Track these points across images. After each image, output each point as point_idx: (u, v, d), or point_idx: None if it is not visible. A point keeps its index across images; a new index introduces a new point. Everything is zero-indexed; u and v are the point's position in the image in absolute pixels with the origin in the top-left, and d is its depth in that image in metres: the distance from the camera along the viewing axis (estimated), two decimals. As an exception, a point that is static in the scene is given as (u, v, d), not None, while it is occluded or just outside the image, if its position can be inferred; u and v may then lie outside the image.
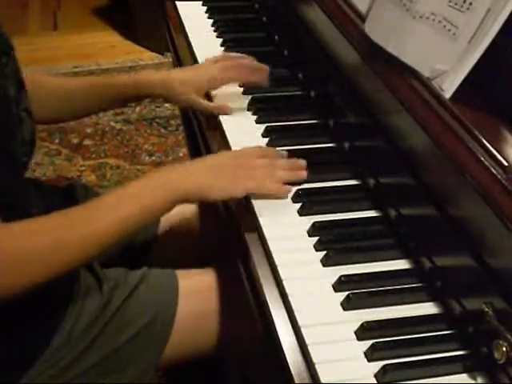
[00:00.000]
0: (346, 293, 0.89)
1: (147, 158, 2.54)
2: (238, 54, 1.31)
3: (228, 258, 1.05)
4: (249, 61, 1.28)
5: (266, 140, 1.18)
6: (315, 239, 0.97)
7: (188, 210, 1.34)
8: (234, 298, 1.09)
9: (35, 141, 1.08)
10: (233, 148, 1.15)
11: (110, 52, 3.27)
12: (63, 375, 1.04)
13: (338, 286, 0.90)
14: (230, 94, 1.30)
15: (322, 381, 0.79)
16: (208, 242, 1.31)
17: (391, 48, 1.00)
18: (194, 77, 1.26)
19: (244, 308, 0.96)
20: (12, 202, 0.99)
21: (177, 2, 1.64)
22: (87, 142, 2.62)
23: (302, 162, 1.08)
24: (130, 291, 1.10)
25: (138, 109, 2.80)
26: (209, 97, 1.29)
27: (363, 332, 0.84)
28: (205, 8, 1.65)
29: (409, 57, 0.97)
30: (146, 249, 1.30)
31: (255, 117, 1.25)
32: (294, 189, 1.06)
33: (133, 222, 0.96)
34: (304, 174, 1.07)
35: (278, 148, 1.15)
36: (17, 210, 1.00)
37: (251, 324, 0.93)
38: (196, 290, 1.14)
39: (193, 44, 1.47)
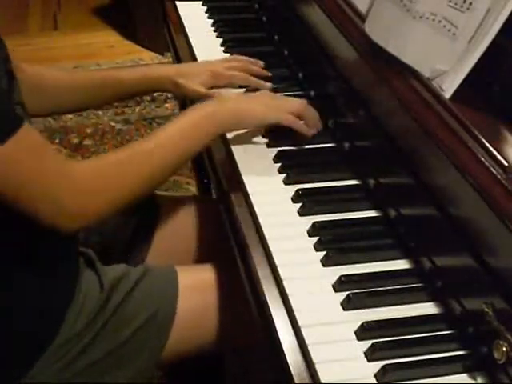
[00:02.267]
0: (346, 293, 0.89)
1: (147, 157, 2.54)
2: (249, 59, 1.35)
3: (228, 258, 1.05)
4: (257, 68, 1.34)
5: (266, 140, 1.18)
6: (315, 239, 0.97)
7: (187, 209, 1.34)
8: (234, 297, 1.09)
9: None
10: (233, 149, 1.15)
11: (110, 52, 3.28)
12: (66, 372, 1.04)
13: (338, 286, 0.90)
14: (230, 93, 1.30)
15: (322, 381, 0.79)
16: (208, 241, 1.31)
17: (391, 48, 1.00)
18: (199, 69, 1.30)
19: (244, 308, 0.96)
20: None
21: (177, 2, 1.64)
22: (87, 141, 2.62)
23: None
24: (130, 287, 1.10)
25: (137, 109, 2.80)
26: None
27: (363, 332, 0.84)
28: (205, 8, 1.65)
29: (409, 57, 0.97)
30: (145, 250, 1.30)
31: (255, 117, 1.25)
32: (294, 188, 1.06)
33: (188, 156, 1.10)
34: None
35: (278, 148, 1.16)
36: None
37: (251, 323, 0.93)
38: (196, 285, 1.14)
39: (193, 44, 1.47)
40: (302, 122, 1.15)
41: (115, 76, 1.30)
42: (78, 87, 1.29)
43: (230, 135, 1.18)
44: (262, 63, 1.35)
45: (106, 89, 1.29)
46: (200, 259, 1.30)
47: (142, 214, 1.29)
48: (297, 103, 1.16)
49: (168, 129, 1.06)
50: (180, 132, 1.06)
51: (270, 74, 1.34)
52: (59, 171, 0.95)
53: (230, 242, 1.04)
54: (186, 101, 1.39)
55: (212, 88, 1.28)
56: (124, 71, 1.34)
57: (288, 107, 1.14)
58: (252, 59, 1.35)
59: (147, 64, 3.10)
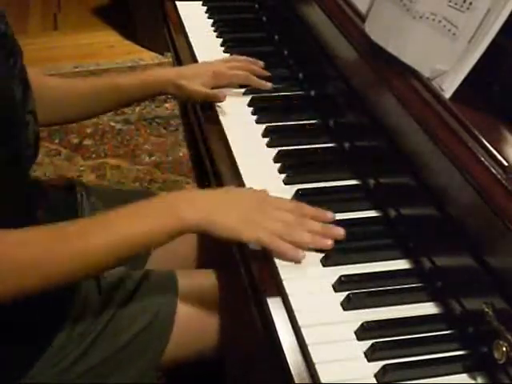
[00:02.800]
0: (346, 293, 0.89)
1: (147, 157, 2.54)
2: (249, 58, 1.35)
3: (228, 260, 1.05)
4: (258, 68, 1.33)
5: (266, 140, 1.18)
6: (315, 239, 0.97)
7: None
8: (234, 299, 1.09)
9: (39, 144, 1.08)
10: (233, 149, 1.15)
11: (110, 52, 3.28)
12: (64, 376, 1.04)
13: (338, 286, 0.90)
14: (230, 94, 1.30)
15: (322, 381, 0.79)
16: (208, 243, 1.31)
17: (391, 48, 1.00)
18: (200, 70, 1.30)
19: (244, 308, 0.96)
20: (18, 203, 0.99)
21: (177, 2, 1.64)
22: (87, 141, 2.62)
23: (338, 230, 0.95)
24: (129, 291, 1.10)
25: (137, 109, 2.80)
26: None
27: (363, 332, 0.84)
28: (205, 8, 1.65)
29: (409, 57, 0.97)
30: (146, 253, 1.30)
31: (255, 117, 1.25)
32: (294, 188, 1.06)
33: (131, 244, 0.91)
34: (330, 244, 0.94)
35: (278, 148, 1.15)
36: (21, 211, 1.00)
37: (251, 324, 0.93)
38: (196, 290, 1.14)
39: (193, 44, 1.47)
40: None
41: (116, 82, 1.28)
42: (81, 95, 1.27)
43: (230, 135, 1.19)
44: (261, 63, 1.36)
45: (108, 96, 1.28)
46: (200, 261, 1.30)
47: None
48: (283, 206, 0.96)
49: (126, 212, 0.92)
50: (138, 222, 0.91)
51: (269, 74, 1.34)
52: None
53: (230, 243, 1.04)
54: (188, 103, 1.39)
55: (214, 88, 1.29)
56: (123, 77, 1.31)
57: (270, 226, 0.93)
58: (252, 59, 1.35)
59: (147, 67, 3.10)
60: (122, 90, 1.28)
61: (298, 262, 0.92)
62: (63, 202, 1.23)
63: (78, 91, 1.28)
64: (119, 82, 1.28)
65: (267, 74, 1.33)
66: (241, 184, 1.08)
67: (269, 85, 1.31)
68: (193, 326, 1.12)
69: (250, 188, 1.03)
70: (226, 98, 1.28)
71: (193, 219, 0.91)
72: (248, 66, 1.33)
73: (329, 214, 0.98)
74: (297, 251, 0.92)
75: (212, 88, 1.28)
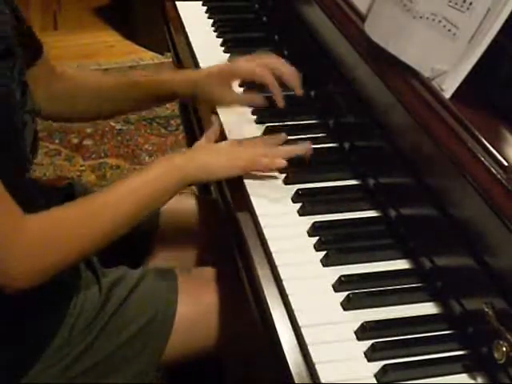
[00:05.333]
0: (346, 293, 0.89)
1: (147, 157, 2.54)
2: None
3: (228, 258, 1.05)
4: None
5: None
6: (315, 239, 0.97)
7: (187, 209, 1.34)
8: (234, 298, 1.09)
9: (37, 143, 1.08)
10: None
11: (110, 52, 3.27)
12: (64, 375, 1.04)
13: (338, 286, 0.90)
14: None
15: (322, 381, 0.79)
16: (208, 241, 1.31)
17: (391, 48, 1.00)
18: (219, 67, 1.24)
19: (244, 308, 0.96)
20: (17, 203, 0.99)
21: (177, 2, 1.64)
22: (87, 141, 2.62)
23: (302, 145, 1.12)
24: (129, 290, 1.10)
25: (137, 109, 2.80)
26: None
27: (363, 332, 0.84)
28: (205, 8, 1.65)
29: (409, 57, 0.97)
30: (145, 247, 1.30)
31: (255, 117, 1.25)
32: (294, 188, 1.06)
33: (149, 205, 1.03)
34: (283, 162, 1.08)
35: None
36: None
37: (251, 324, 0.93)
38: (196, 288, 1.14)
39: (193, 44, 1.47)
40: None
41: (145, 79, 1.28)
42: (112, 90, 1.27)
43: (230, 135, 1.18)
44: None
45: (139, 91, 1.26)
46: (200, 259, 1.30)
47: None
48: (253, 143, 1.12)
49: (131, 180, 1.02)
50: (144, 184, 1.02)
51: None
52: (8, 231, 0.89)
53: (230, 242, 1.04)
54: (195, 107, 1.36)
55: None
56: (150, 75, 1.31)
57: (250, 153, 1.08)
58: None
59: (147, 67, 3.10)
60: (148, 87, 1.26)
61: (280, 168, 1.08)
62: (63, 202, 1.23)
63: (106, 85, 1.27)
64: (145, 79, 1.29)
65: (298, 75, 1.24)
66: (242, 186, 1.08)
67: (281, 103, 1.22)
68: (193, 324, 1.12)
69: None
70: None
71: (192, 168, 1.05)
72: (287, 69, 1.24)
73: (282, 136, 1.14)
74: (279, 161, 1.07)
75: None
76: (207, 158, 1.06)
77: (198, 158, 1.07)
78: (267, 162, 1.07)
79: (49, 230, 0.94)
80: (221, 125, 1.19)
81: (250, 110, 1.26)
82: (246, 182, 1.08)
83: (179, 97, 1.31)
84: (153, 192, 1.02)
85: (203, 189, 1.76)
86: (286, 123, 1.24)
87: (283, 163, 1.07)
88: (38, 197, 1.11)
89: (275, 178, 1.10)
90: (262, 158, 1.07)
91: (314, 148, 1.18)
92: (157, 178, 1.03)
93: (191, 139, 1.75)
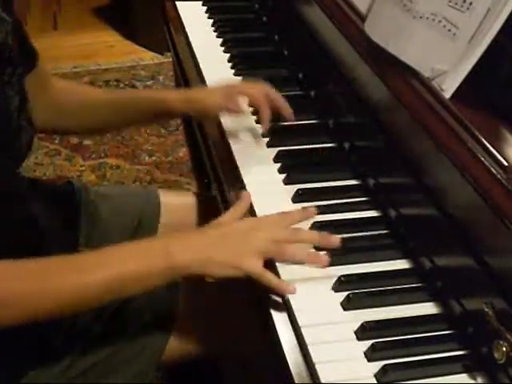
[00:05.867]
0: (346, 293, 0.89)
1: (147, 157, 2.54)
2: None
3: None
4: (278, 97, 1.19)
5: (266, 140, 1.18)
6: (315, 239, 0.97)
7: (187, 207, 1.34)
8: (234, 298, 1.09)
9: (31, 148, 1.07)
10: (233, 149, 1.15)
11: (110, 52, 3.27)
12: (64, 375, 1.04)
13: (338, 286, 0.90)
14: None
15: (322, 381, 0.79)
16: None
17: (391, 48, 1.00)
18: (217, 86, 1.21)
19: (244, 308, 0.96)
20: (11, 202, 0.99)
21: (177, 2, 1.64)
22: (87, 141, 2.62)
23: (334, 239, 0.93)
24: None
25: (137, 109, 2.79)
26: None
27: (363, 332, 0.84)
28: (205, 8, 1.65)
29: (409, 57, 0.97)
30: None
31: (255, 117, 1.25)
32: (295, 188, 1.06)
33: (125, 282, 0.88)
34: (325, 260, 0.92)
35: (278, 148, 1.15)
36: (15, 210, 1.00)
37: (251, 324, 0.93)
38: (197, 288, 1.13)
39: (193, 44, 1.47)
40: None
41: (143, 95, 1.28)
42: (109, 106, 1.22)
43: (230, 135, 1.19)
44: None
45: (136, 106, 1.23)
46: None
47: (144, 211, 1.29)
48: (274, 238, 0.91)
49: (118, 250, 0.90)
50: (130, 260, 0.88)
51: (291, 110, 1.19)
52: None
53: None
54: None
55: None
56: (147, 91, 1.28)
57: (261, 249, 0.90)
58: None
59: (147, 67, 3.09)
60: (146, 103, 1.22)
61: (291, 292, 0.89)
62: (63, 202, 1.23)
63: (101, 100, 1.23)
64: (143, 94, 1.28)
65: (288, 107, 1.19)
66: (242, 185, 1.08)
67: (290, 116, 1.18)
68: (193, 324, 1.12)
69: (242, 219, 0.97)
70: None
71: (186, 260, 0.88)
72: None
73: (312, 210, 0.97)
74: (317, 256, 0.92)
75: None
76: (208, 249, 0.90)
77: (197, 246, 0.90)
78: (301, 255, 0.91)
79: (16, 281, 0.84)
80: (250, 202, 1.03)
81: (250, 110, 1.26)
82: (246, 181, 1.08)
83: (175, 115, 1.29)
84: (132, 270, 0.87)
85: (203, 187, 1.76)
86: (286, 123, 1.24)
87: (326, 260, 0.91)
88: (38, 197, 1.11)
89: (275, 178, 1.10)
90: (285, 246, 0.90)
91: (314, 148, 1.18)
92: (141, 259, 0.88)
93: (191, 139, 1.75)
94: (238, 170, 1.10)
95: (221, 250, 0.89)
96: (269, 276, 0.89)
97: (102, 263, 0.87)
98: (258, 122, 1.23)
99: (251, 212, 1.03)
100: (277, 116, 1.20)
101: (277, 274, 0.92)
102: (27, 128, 1.03)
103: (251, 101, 1.19)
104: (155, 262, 0.88)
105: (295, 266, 0.92)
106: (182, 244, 0.90)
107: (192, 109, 1.19)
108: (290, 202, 1.05)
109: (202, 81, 1.35)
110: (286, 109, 1.18)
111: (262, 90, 1.18)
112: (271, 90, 1.18)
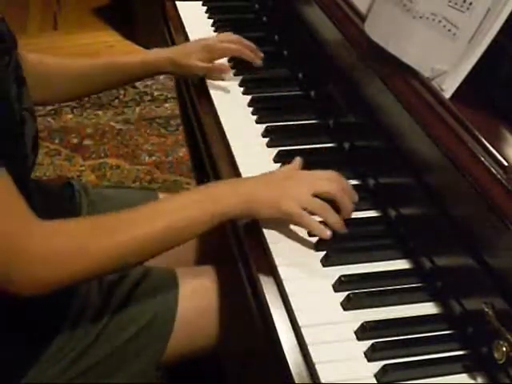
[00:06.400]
0: (346, 293, 0.89)
1: (147, 157, 2.54)
2: (241, 37, 1.39)
3: (228, 258, 1.05)
4: (249, 43, 1.37)
5: (266, 140, 1.18)
6: (315, 239, 0.97)
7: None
8: (234, 298, 1.09)
9: (38, 141, 1.08)
10: (233, 149, 1.15)
11: (110, 52, 3.27)
12: (65, 374, 1.04)
13: (338, 286, 0.90)
14: (230, 94, 1.31)
15: (322, 381, 0.79)
16: (208, 241, 1.31)
17: (391, 48, 1.00)
18: (194, 46, 1.35)
19: (244, 308, 0.96)
20: None
21: (177, 2, 1.64)
22: (87, 141, 2.62)
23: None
24: (129, 289, 1.10)
25: (137, 109, 2.80)
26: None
27: (363, 332, 0.84)
28: (205, 8, 1.65)
29: (409, 57, 0.97)
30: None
31: (255, 117, 1.25)
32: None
33: (177, 232, 0.93)
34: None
35: (278, 148, 1.15)
36: None
37: (251, 323, 0.93)
38: (196, 287, 1.14)
39: (193, 44, 1.47)
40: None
41: (116, 62, 1.33)
42: (82, 74, 1.31)
43: (230, 135, 1.18)
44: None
45: (108, 75, 1.32)
46: (200, 259, 1.30)
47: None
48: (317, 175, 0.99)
49: (160, 203, 0.97)
50: (178, 208, 0.93)
51: (261, 52, 1.37)
52: (20, 235, 0.85)
53: (230, 242, 1.04)
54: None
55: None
56: (124, 57, 1.35)
57: (307, 201, 0.96)
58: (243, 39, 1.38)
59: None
60: (122, 69, 1.32)
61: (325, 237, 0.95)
62: (63, 202, 1.23)
63: (77, 68, 1.31)
64: (119, 60, 1.33)
65: (258, 51, 1.37)
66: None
67: (259, 61, 1.36)
68: (193, 323, 1.12)
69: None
70: (226, 98, 1.28)
71: (236, 207, 0.95)
72: (240, 40, 1.37)
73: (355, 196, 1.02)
74: (325, 230, 0.95)
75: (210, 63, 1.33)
76: (254, 192, 0.95)
77: (242, 189, 0.96)
78: (317, 227, 0.95)
79: (62, 239, 0.88)
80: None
81: (250, 110, 1.27)
82: (246, 181, 1.08)
83: (159, 73, 1.40)
84: (182, 219, 0.93)
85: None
86: (285, 123, 1.24)
87: (330, 234, 0.95)
88: (38, 197, 1.11)
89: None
90: (310, 218, 0.95)
91: (314, 148, 1.18)
92: (189, 205, 0.94)
93: (191, 139, 1.75)
94: (238, 170, 1.10)
95: (263, 191, 0.95)
96: (307, 218, 0.94)
97: (155, 215, 0.92)
98: (258, 122, 1.23)
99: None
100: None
101: (276, 273, 0.92)
102: (30, 120, 1.03)
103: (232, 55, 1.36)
104: (206, 207, 0.93)
105: (295, 266, 0.93)
106: (228, 189, 0.96)
107: (176, 71, 1.34)
108: (290, 201, 1.05)
109: (202, 81, 1.35)
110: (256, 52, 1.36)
111: (238, 41, 1.36)
112: (240, 38, 1.37)
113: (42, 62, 1.27)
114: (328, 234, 0.95)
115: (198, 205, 0.94)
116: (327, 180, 0.98)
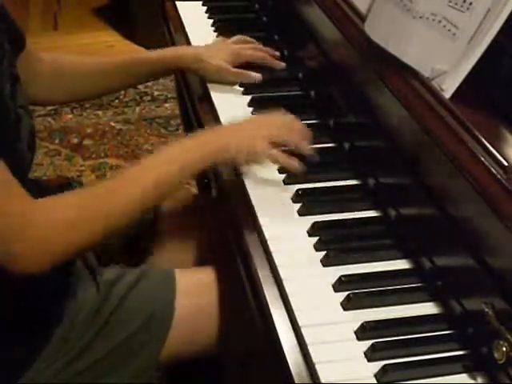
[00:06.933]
0: (346, 293, 0.89)
1: (147, 158, 2.53)
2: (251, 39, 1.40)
3: (228, 258, 1.05)
4: (268, 49, 1.39)
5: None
6: (315, 239, 0.97)
7: (187, 209, 1.34)
8: (234, 298, 1.09)
9: (35, 138, 1.08)
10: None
11: (110, 52, 3.27)
12: (64, 373, 1.04)
13: (338, 286, 0.90)
14: (230, 94, 1.31)
15: (322, 381, 0.79)
16: (208, 241, 1.31)
17: (391, 48, 1.00)
18: (221, 47, 1.35)
19: (244, 308, 0.96)
20: None
21: (177, 2, 1.64)
22: (87, 141, 2.62)
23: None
24: (127, 289, 1.10)
25: (137, 109, 2.80)
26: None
27: (363, 332, 0.84)
28: (205, 8, 1.65)
29: (409, 57, 0.97)
30: (145, 246, 1.30)
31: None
32: (294, 188, 1.06)
33: (160, 189, 1.00)
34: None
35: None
36: None
37: (251, 323, 0.93)
38: (195, 287, 1.14)
39: (193, 44, 1.47)
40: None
41: (138, 58, 1.33)
42: (99, 72, 1.30)
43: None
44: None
45: (129, 71, 1.32)
46: (200, 259, 1.30)
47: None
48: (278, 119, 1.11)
49: (148, 160, 1.04)
50: (160, 163, 1.02)
51: (278, 53, 1.39)
52: (20, 213, 0.89)
53: (230, 242, 1.04)
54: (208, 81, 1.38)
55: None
56: (145, 53, 1.38)
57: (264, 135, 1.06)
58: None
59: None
60: (144, 64, 1.32)
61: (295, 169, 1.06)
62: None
63: (94, 66, 1.31)
64: (140, 56, 1.35)
65: (278, 55, 1.39)
66: (242, 186, 1.08)
67: (282, 64, 1.37)
68: (192, 324, 1.12)
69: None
70: (226, 98, 1.28)
71: (213, 149, 1.04)
72: (261, 49, 1.38)
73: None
74: (293, 163, 1.06)
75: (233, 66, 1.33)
76: (225, 140, 1.05)
77: (223, 137, 1.06)
78: (281, 156, 1.06)
79: (61, 211, 0.92)
80: None
81: (250, 110, 1.27)
82: (246, 181, 1.08)
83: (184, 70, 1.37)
84: (170, 170, 1.01)
85: (203, 188, 1.76)
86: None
87: (296, 166, 1.06)
88: (38, 197, 1.10)
89: (275, 177, 1.10)
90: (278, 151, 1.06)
91: (314, 148, 1.18)
92: (171, 160, 1.02)
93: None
94: (238, 170, 1.10)
95: (237, 137, 1.05)
96: (276, 154, 1.05)
97: (145, 171, 1.00)
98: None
99: (250, 208, 1.03)
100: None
101: (276, 273, 0.92)
102: (25, 118, 1.03)
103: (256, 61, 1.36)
104: (189, 158, 1.02)
105: (295, 266, 0.93)
106: (208, 137, 1.06)
107: (198, 68, 1.32)
108: (290, 201, 1.05)
109: (203, 81, 1.34)
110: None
111: (254, 47, 1.37)
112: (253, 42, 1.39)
113: (55, 61, 1.27)
114: (296, 165, 1.06)
115: (186, 155, 1.02)
116: (280, 127, 1.09)
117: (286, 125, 1.09)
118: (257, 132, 1.06)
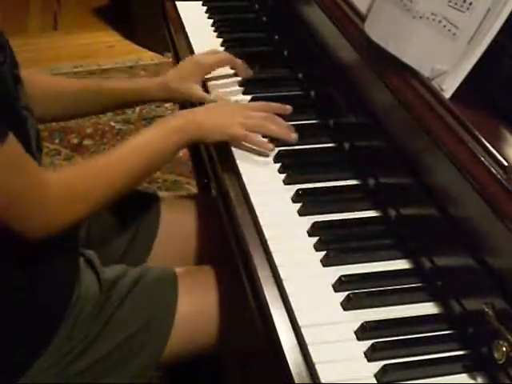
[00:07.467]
0: (346, 293, 0.89)
1: (147, 157, 2.53)
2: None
3: (228, 258, 1.05)
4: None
5: (266, 140, 1.18)
6: (315, 239, 0.97)
7: (187, 208, 1.34)
8: (234, 297, 1.09)
9: (40, 139, 1.09)
10: (233, 149, 1.15)
11: (110, 52, 3.28)
12: (65, 372, 1.04)
13: (338, 286, 0.90)
14: (230, 94, 1.31)
15: (322, 381, 0.79)
16: (208, 241, 1.31)
17: (391, 48, 1.00)
18: (187, 66, 1.32)
19: (244, 308, 0.96)
20: None
21: (177, 2, 1.64)
22: (87, 141, 2.62)
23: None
24: (128, 288, 1.10)
25: (137, 109, 2.80)
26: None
27: (363, 332, 0.84)
28: (205, 8, 1.65)
29: (409, 57, 0.97)
30: (145, 246, 1.30)
31: (255, 117, 1.25)
32: (294, 188, 1.06)
33: (152, 160, 1.10)
34: (294, 136, 1.16)
35: (278, 148, 1.15)
36: None
37: (251, 323, 0.93)
38: (196, 287, 1.14)
39: (193, 44, 1.47)
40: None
41: (106, 86, 1.31)
42: (74, 94, 1.29)
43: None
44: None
45: (98, 98, 1.30)
46: (200, 259, 1.30)
47: (144, 213, 1.29)
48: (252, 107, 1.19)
49: (137, 139, 1.10)
50: (148, 143, 1.10)
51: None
52: (35, 185, 0.95)
53: (230, 242, 1.04)
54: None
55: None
56: (115, 82, 1.41)
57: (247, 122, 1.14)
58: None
59: (147, 67, 3.10)
60: (114, 96, 1.30)
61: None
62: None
63: (67, 89, 1.30)
64: (109, 85, 1.32)
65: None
66: (242, 185, 1.08)
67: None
68: (192, 324, 1.12)
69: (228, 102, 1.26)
70: (226, 98, 1.28)
71: (194, 133, 1.13)
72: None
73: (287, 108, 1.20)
74: (268, 144, 1.14)
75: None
76: (204, 119, 1.13)
77: (197, 117, 1.13)
78: (257, 141, 1.13)
79: (71, 182, 1.01)
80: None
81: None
82: (246, 181, 1.08)
83: (153, 100, 1.41)
84: (154, 151, 1.09)
85: (203, 188, 1.76)
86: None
87: (273, 148, 1.13)
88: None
89: (276, 177, 1.10)
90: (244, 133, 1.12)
91: (314, 148, 1.18)
92: (161, 138, 1.10)
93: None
94: (238, 170, 1.10)
95: (214, 119, 1.14)
96: (251, 137, 1.13)
97: (144, 147, 1.09)
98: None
99: (249, 207, 1.03)
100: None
101: (276, 273, 0.92)
102: (30, 119, 1.03)
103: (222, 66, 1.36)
104: (168, 140, 1.11)
105: (295, 266, 0.93)
106: (183, 121, 1.13)
107: (172, 97, 1.34)
108: (290, 201, 1.05)
109: (203, 81, 1.34)
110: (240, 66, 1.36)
111: (226, 59, 1.35)
112: (227, 55, 1.37)
113: (35, 79, 1.24)
114: (271, 146, 1.13)
115: (167, 139, 1.11)
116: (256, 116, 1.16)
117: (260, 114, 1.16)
118: (233, 117, 1.14)
